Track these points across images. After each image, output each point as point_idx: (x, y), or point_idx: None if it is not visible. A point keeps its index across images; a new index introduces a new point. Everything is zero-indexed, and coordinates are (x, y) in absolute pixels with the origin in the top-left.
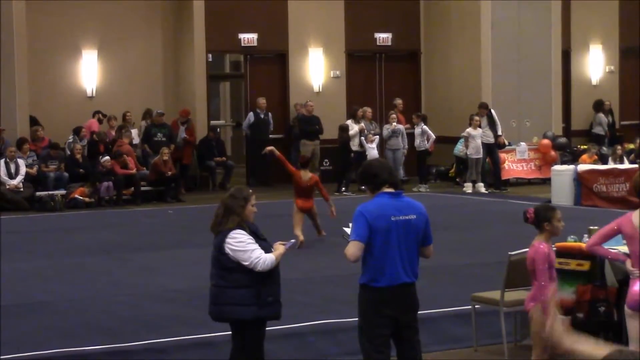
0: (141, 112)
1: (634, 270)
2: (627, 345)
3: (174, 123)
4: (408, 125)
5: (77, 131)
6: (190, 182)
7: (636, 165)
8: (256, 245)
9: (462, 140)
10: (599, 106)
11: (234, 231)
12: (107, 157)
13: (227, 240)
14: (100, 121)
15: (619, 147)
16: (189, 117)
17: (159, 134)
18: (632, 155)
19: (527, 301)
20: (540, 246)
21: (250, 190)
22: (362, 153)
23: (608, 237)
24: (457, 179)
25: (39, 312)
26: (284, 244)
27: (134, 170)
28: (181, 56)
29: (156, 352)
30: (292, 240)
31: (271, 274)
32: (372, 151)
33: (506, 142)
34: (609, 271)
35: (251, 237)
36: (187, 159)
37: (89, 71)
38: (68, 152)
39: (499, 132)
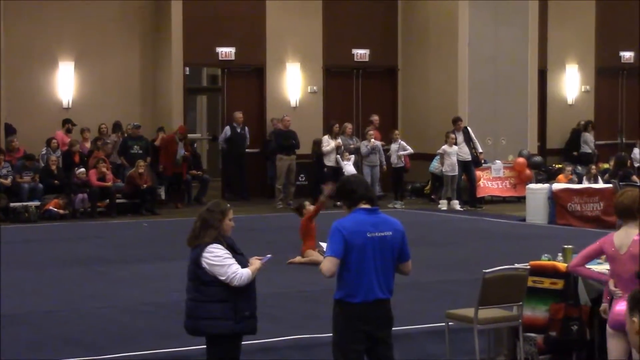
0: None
1: (617, 290)
2: None
3: (171, 138)
4: (384, 142)
5: (48, 142)
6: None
7: (610, 185)
8: (233, 260)
9: (437, 157)
10: (586, 126)
11: (211, 245)
12: (82, 169)
13: (204, 254)
14: (69, 131)
15: (593, 166)
16: (186, 133)
17: (135, 146)
18: (607, 175)
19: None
20: None
21: (228, 205)
22: (336, 169)
23: (590, 257)
24: (432, 196)
25: (14, 324)
26: (260, 259)
27: (110, 183)
28: (158, 69)
29: None
30: (268, 255)
31: (247, 289)
32: (349, 167)
33: (483, 160)
34: (582, 290)
35: (228, 252)
36: (185, 175)
37: (65, 82)
38: (42, 164)
39: (480, 150)
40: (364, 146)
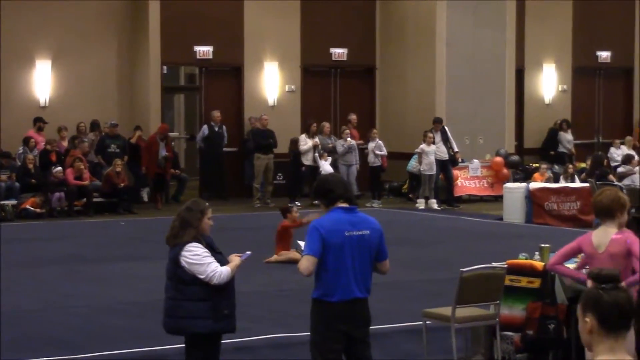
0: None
1: None
2: None
3: (153, 139)
4: (362, 141)
5: (25, 141)
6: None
7: (587, 185)
8: (212, 259)
9: (415, 156)
10: (561, 125)
11: (190, 244)
12: (59, 168)
13: (183, 253)
14: (40, 129)
15: (570, 165)
16: (167, 131)
17: (112, 145)
18: (584, 174)
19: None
20: None
21: (207, 204)
22: (313, 168)
23: (569, 256)
24: (410, 195)
25: None
26: (239, 256)
27: (87, 182)
28: (136, 68)
29: None
30: (248, 252)
31: (226, 288)
32: (327, 167)
33: (460, 159)
34: (559, 289)
35: (207, 250)
36: (169, 175)
37: (42, 81)
38: (19, 163)
39: (455, 149)
40: (340, 145)
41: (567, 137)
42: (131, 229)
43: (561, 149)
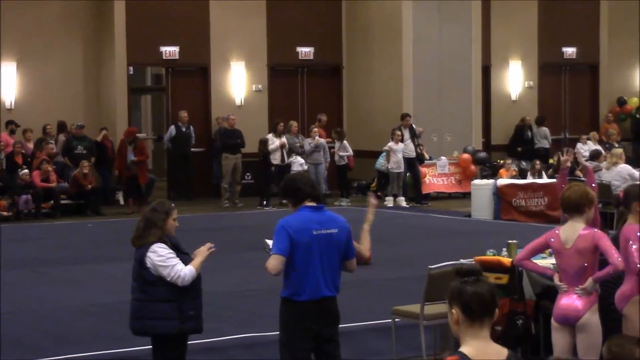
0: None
1: (562, 284)
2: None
3: (121, 143)
4: (330, 140)
5: None
6: (110, 196)
7: (554, 180)
8: (177, 260)
9: (383, 154)
10: (541, 120)
11: (155, 245)
12: (26, 170)
13: (148, 254)
14: (12, 132)
15: (537, 162)
16: (135, 134)
17: (79, 146)
18: (551, 170)
19: (618, 300)
20: (632, 226)
21: (173, 205)
22: (282, 167)
23: (536, 251)
24: (379, 193)
25: None
26: (208, 248)
27: (54, 184)
28: (102, 69)
29: None
30: (211, 246)
31: (192, 288)
32: (297, 166)
33: (427, 156)
34: (527, 285)
35: (172, 251)
36: (143, 179)
37: (7, 83)
38: None
39: (419, 144)
40: (308, 144)
41: (543, 132)
42: (99, 230)
43: (538, 145)
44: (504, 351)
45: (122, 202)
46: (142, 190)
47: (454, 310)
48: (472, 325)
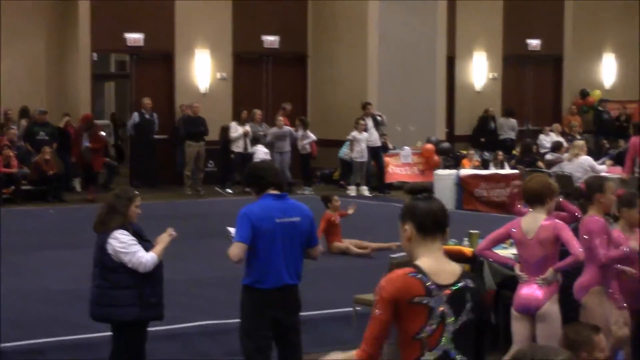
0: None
1: (523, 274)
2: (507, 348)
3: (78, 129)
4: (293, 128)
5: None
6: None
7: (517, 171)
8: (139, 247)
9: (347, 143)
10: (509, 112)
11: (117, 231)
12: None
13: (110, 240)
14: None
15: (500, 152)
16: (91, 121)
17: (41, 132)
18: (513, 161)
19: (577, 290)
20: (594, 217)
21: (136, 192)
22: (244, 155)
23: (498, 241)
24: (342, 182)
25: None
26: (169, 234)
27: (15, 169)
28: (66, 55)
29: (35, 353)
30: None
31: (154, 275)
32: (260, 154)
33: (390, 146)
34: (487, 274)
35: (134, 238)
36: (98, 167)
37: None
38: None
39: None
40: (272, 134)
41: (511, 123)
42: (60, 217)
43: (504, 136)
44: (457, 268)
45: (78, 188)
46: (96, 177)
47: (407, 227)
48: (424, 241)
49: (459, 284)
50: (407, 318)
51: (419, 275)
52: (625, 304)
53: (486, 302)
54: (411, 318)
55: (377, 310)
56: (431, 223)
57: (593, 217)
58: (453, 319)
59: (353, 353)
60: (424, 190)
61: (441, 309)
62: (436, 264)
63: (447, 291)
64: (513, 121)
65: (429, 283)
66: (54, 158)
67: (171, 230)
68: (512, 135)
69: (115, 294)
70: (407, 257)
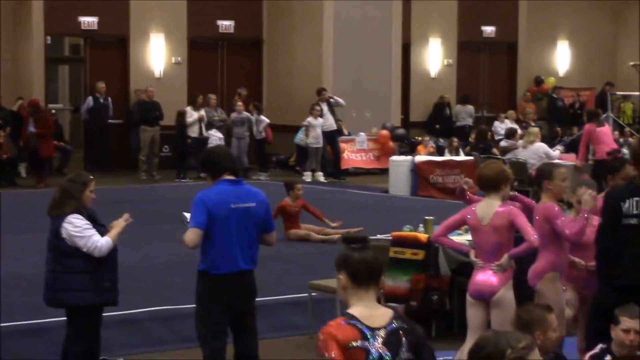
0: None
1: (477, 260)
2: (461, 333)
3: (26, 115)
4: (248, 114)
5: None
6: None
7: (471, 158)
8: (93, 231)
9: (302, 129)
10: (466, 99)
11: (72, 215)
12: None
13: (64, 224)
14: None
15: (455, 139)
16: (39, 106)
17: None
18: (468, 148)
19: (531, 276)
20: (548, 203)
21: (90, 176)
22: (200, 140)
23: (453, 228)
24: (297, 168)
25: None
26: (125, 219)
27: None
28: (19, 38)
29: None
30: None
31: (108, 260)
32: (215, 140)
33: (345, 132)
34: (442, 261)
35: (88, 223)
36: (45, 152)
37: None
38: None
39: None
40: (232, 119)
41: (469, 110)
42: (13, 201)
43: (462, 122)
44: (389, 311)
45: (23, 174)
46: (43, 163)
47: (341, 276)
48: (358, 290)
49: (392, 325)
50: None
51: (352, 321)
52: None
53: (425, 342)
54: None
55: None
56: (364, 273)
57: (546, 203)
58: (391, 359)
59: None
60: (359, 240)
61: (378, 350)
62: (367, 310)
63: (381, 333)
64: (470, 107)
65: (363, 328)
66: (7, 142)
67: (127, 216)
68: (469, 121)
69: (70, 279)
70: (360, 233)
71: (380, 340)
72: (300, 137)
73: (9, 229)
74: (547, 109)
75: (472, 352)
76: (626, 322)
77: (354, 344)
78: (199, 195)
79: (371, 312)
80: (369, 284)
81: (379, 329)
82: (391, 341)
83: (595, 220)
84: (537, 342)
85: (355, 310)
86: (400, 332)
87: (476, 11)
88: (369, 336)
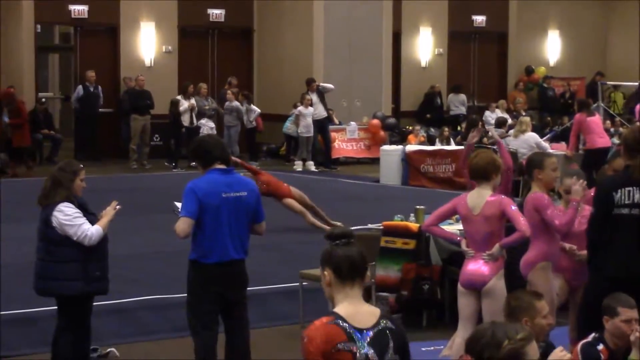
0: None
1: (469, 250)
2: (453, 323)
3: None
4: (238, 103)
5: None
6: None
7: (462, 147)
8: (84, 219)
9: (291, 118)
10: (458, 88)
11: (62, 204)
12: None
13: (55, 213)
14: None
15: (446, 128)
16: (12, 96)
17: None
18: (459, 137)
19: (523, 266)
20: (538, 193)
21: (81, 165)
22: (190, 129)
23: (444, 217)
24: (292, 157)
25: None
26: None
27: None
28: (9, 27)
29: None
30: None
31: (99, 249)
32: (207, 129)
33: (336, 121)
34: (433, 250)
35: (79, 211)
36: (18, 142)
37: None
38: None
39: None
40: (227, 105)
41: (461, 99)
42: (4, 190)
43: (455, 111)
44: (376, 310)
45: None
46: (19, 153)
47: (325, 273)
48: (343, 287)
49: (380, 326)
50: None
51: (338, 322)
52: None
53: (408, 346)
54: None
55: None
56: (348, 269)
57: (536, 193)
58: None
59: None
60: (342, 236)
61: (364, 352)
62: (354, 308)
63: (369, 334)
64: (463, 96)
65: (349, 329)
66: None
67: (115, 204)
68: (462, 110)
69: (59, 268)
70: (344, 227)
71: (367, 341)
72: (287, 125)
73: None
74: (538, 98)
75: (469, 343)
76: (626, 312)
77: (340, 346)
78: (189, 184)
79: (357, 310)
80: (354, 279)
81: (366, 329)
82: (378, 342)
83: (586, 210)
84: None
85: (341, 308)
86: (388, 332)
87: (466, 0)
88: (355, 338)
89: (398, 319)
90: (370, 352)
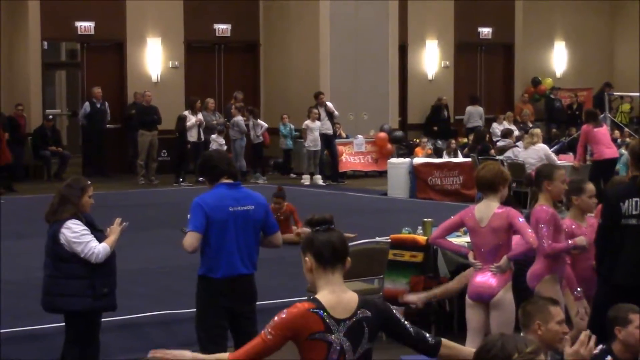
0: None
1: (476, 262)
2: (461, 335)
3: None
4: (244, 118)
5: None
6: (22, 172)
7: (469, 159)
8: (91, 237)
9: (283, 131)
10: (475, 100)
11: (70, 221)
12: None
13: (62, 230)
14: None
15: (453, 141)
16: None
17: None
18: (466, 149)
19: (530, 278)
20: (543, 207)
21: (88, 182)
22: (199, 144)
23: (451, 230)
24: (293, 174)
25: None
26: (119, 224)
27: None
28: (15, 43)
29: None
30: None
31: (106, 265)
32: (215, 145)
33: (343, 134)
34: (441, 263)
35: (86, 228)
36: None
37: None
38: None
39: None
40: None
41: (479, 111)
42: (10, 206)
43: (473, 124)
44: (354, 298)
45: None
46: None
47: (307, 258)
48: (325, 272)
49: (357, 316)
50: (308, 353)
51: (319, 312)
52: (580, 294)
53: (396, 317)
54: (311, 353)
55: (269, 335)
56: (330, 254)
57: (542, 206)
58: (352, 351)
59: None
60: (323, 222)
61: (340, 342)
62: (335, 297)
63: (345, 324)
64: (480, 109)
65: (328, 319)
66: (5, 148)
67: (119, 220)
68: (480, 123)
69: (67, 284)
70: (324, 214)
71: (343, 332)
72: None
73: (7, 234)
74: (545, 109)
75: (478, 354)
76: (638, 318)
77: (316, 335)
78: (196, 199)
79: (339, 300)
80: (335, 265)
81: (343, 320)
82: (354, 333)
83: (591, 220)
84: (538, 333)
85: (322, 295)
86: (364, 323)
87: (473, 12)
88: (332, 329)
89: (379, 298)
90: (347, 344)
